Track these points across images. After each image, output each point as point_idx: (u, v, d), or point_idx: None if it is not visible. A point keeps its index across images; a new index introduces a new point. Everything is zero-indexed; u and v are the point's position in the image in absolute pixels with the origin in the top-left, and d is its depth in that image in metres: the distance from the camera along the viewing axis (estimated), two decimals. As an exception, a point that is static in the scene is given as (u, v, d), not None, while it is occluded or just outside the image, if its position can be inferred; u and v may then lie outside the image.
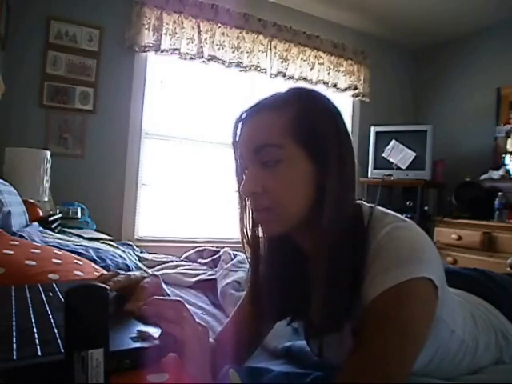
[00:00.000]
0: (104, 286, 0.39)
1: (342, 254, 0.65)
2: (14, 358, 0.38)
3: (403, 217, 0.70)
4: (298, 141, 0.66)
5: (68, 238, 1.62)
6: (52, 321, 0.50)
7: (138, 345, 0.46)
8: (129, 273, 0.73)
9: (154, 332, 0.50)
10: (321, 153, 0.67)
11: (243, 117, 0.72)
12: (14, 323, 0.47)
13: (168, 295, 1.43)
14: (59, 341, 0.43)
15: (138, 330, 0.50)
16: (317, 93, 0.72)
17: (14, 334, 0.44)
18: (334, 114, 0.70)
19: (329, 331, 0.68)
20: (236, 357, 0.81)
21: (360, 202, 0.74)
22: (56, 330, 0.46)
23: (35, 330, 0.46)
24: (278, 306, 0.78)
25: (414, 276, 0.60)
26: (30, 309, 0.55)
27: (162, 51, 3.06)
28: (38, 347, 0.41)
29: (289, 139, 0.66)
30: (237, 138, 0.73)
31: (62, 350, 0.40)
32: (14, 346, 0.40)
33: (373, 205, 0.73)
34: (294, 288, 0.76)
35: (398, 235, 0.64)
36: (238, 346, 0.82)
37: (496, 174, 3.28)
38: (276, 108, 0.68)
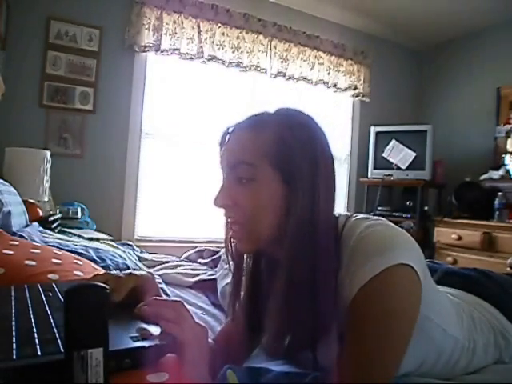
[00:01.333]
0: (103, 285, 0.39)
1: (301, 273, 0.65)
2: (14, 357, 0.38)
3: (380, 218, 0.70)
4: (271, 163, 0.68)
5: (68, 238, 1.62)
6: (52, 321, 0.50)
7: (137, 344, 0.46)
8: (118, 272, 0.74)
9: (154, 330, 0.50)
10: (292, 177, 0.67)
11: (229, 131, 0.75)
12: (13, 323, 0.47)
13: (168, 295, 1.43)
14: (59, 340, 0.43)
15: (138, 328, 0.50)
16: (301, 118, 0.73)
17: (14, 333, 0.44)
18: (312, 141, 0.70)
19: (295, 350, 0.70)
20: (235, 357, 0.82)
21: (339, 213, 0.74)
22: (56, 330, 0.46)
23: (35, 329, 0.46)
24: (256, 323, 0.78)
25: (389, 264, 0.60)
26: (30, 309, 0.55)
27: (162, 51, 3.06)
28: (38, 347, 0.41)
29: (263, 160, 0.68)
30: (221, 151, 0.76)
31: (62, 350, 0.40)
32: (14, 345, 0.40)
33: (349, 214, 0.74)
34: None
35: (368, 233, 0.65)
36: (236, 346, 0.83)
37: (496, 174, 3.28)
38: (257, 128, 0.70)
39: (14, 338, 0.42)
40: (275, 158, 0.68)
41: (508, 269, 2.07)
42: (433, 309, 0.73)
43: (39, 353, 0.39)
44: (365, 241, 0.64)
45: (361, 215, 0.72)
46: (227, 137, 0.75)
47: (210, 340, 0.73)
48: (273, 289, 0.70)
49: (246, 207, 0.69)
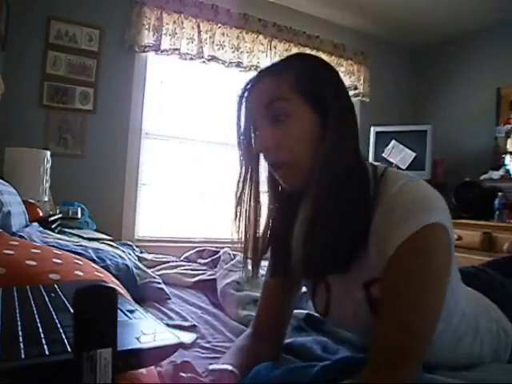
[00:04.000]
0: (112, 286, 0.39)
1: (338, 196, 0.68)
2: (23, 356, 0.38)
3: (415, 175, 0.73)
4: (302, 95, 0.71)
5: (68, 238, 1.62)
6: (57, 321, 0.50)
7: (143, 345, 0.46)
8: None
9: (163, 332, 0.51)
10: (322, 105, 0.71)
11: (251, 83, 0.77)
12: (19, 323, 0.47)
13: (168, 295, 1.43)
14: (65, 340, 0.43)
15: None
16: (318, 58, 0.79)
17: (20, 333, 0.44)
18: (334, 75, 0.75)
19: (325, 270, 0.72)
20: (274, 340, 0.86)
21: (374, 163, 0.78)
22: (61, 330, 0.46)
23: (41, 329, 0.46)
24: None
25: (427, 222, 0.63)
26: (34, 309, 0.55)
27: (162, 51, 3.06)
28: (45, 347, 0.41)
29: (295, 94, 0.71)
30: (242, 112, 0.77)
31: (69, 350, 0.40)
32: (21, 345, 0.40)
33: (387, 166, 0.77)
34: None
35: (408, 189, 0.67)
36: (275, 329, 0.87)
37: (496, 174, 3.28)
38: (279, 71, 0.74)
39: (20, 338, 0.42)
40: (305, 90, 0.71)
41: (505, 254, 2.04)
42: (454, 275, 0.75)
43: (47, 352, 0.39)
44: (404, 197, 0.66)
45: (394, 169, 0.76)
46: (249, 87, 0.77)
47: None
48: (306, 214, 0.71)
49: (289, 145, 0.71)
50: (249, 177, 0.79)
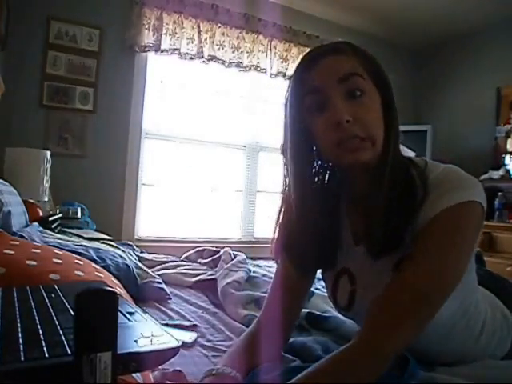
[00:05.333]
0: (113, 290, 0.39)
1: (400, 177, 0.73)
2: (22, 359, 0.38)
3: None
4: (372, 77, 0.75)
5: (68, 238, 1.62)
6: (57, 323, 0.50)
7: (142, 348, 0.46)
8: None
9: (162, 335, 0.50)
10: (383, 86, 0.76)
11: (308, 60, 0.77)
12: (18, 325, 0.47)
13: (168, 295, 1.43)
14: (65, 343, 0.43)
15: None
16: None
17: (20, 335, 0.44)
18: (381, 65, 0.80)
19: (392, 245, 0.73)
20: (278, 341, 0.86)
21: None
22: (61, 332, 0.46)
23: (40, 331, 0.46)
24: (315, 255, 0.83)
25: (471, 199, 0.68)
26: (34, 310, 0.55)
27: (162, 51, 3.06)
28: (45, 349, 0.41)
29: (366, 74, 0.74)
30: (301, 81, 0.76)
31: (69, 352, 0.40)
32: (21, 347, 0.40)
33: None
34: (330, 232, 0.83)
35: (453, 170, 0.74)
36: (281, 329, 0.86)
37: (496, 174, 3.28)
38: (349, 50, 0.77)
39: (20, 340, 0.42)
40: (375, 74, 0.75)
41: None
42: (472, 261, 0.79)
43: (46, 355, 0.39)
44: (449, 176, 0.73)
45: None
46: (313, 62, 0.76)
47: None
48: (372, 193, 0.74)
49: (366, 120, 0.72)
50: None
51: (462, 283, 0.70)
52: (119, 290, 1.02)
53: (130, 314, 0.58)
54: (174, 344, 0.48)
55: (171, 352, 0.47)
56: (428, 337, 0.75)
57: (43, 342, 0.42)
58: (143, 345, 0.46)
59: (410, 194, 0.72)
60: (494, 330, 0.88)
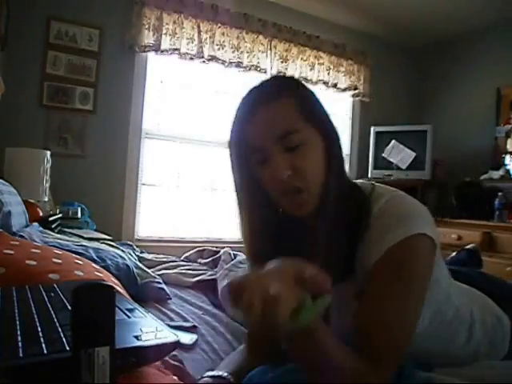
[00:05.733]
0: (111, 284, 0.39)
1: (343, 214, 0.73)
2: (21, 355, 0.38)
3: (398, 190, 0.79)
4: (308, 122, 0.73)
5: (68, 238, 1.62)
6: (55, 320, 0.50)
7: (141, 343, 0.46)
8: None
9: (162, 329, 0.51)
10: (322, 129, 0.75)
11: (246, 112, 0.76)
12: (17, 322, 0.47)
13: (168, 295, 1.43)
14: (64, 339, 0.43)
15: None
16: (292, 77, 0.85)
17: (19, 332, 0.44)
18: (314, 93, 0.79)
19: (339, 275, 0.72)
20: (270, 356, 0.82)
21: (357, 180, 0.84)
22: (60, 329, 0.46)
23: (39, 328, 0.46)
24: None
25: (412, 233, 0.68)
26: (33, 309, 0.55)
27: (162, 51, 3.06)
28: (44, 345, 0.41)
29: (302, 123, 0.73)
30: (240, 135, 0.76)
31: (68, 349, 0.40)
32: (20, 344, 0.40)
33: (372, 182, 0.82)
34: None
35: (395, 202, 0.74)
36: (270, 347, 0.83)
37: (496, 174, 3.28)
38: (280, 98, 0.73)
39: (19, 337, 0.42)
40: (307, 116, 0.74)
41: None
42: (440, 273, 0.80)
43: (45, 351, 0.39)
44: (390, 210, 0.72)
45: (379, 183, 0.82)
46: (247, 119, 0.76)
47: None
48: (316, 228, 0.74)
49: (306, 171, 0.72)
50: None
51: (429, 299, 0.73)
52: (119, 289, 1.02)
53: (130, 310, 0.58)
54: (173, 339, 0.48)
55: (170, 347, 0.47)
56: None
57: (42, 338, 0.42)
58: (142, 340, 0.46)
59: (353, 227, 0.73)
60: (485, 331, 0.89)
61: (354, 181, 0.83)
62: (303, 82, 0.82)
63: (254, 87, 0.78)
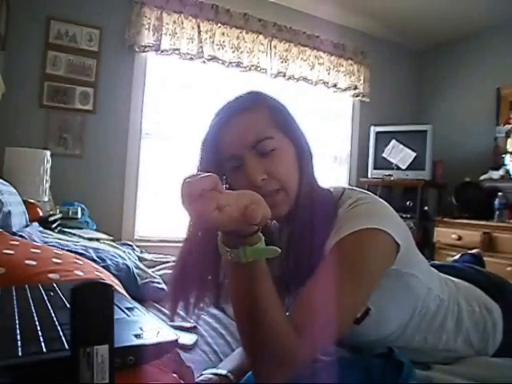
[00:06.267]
0: (109, 283, 0.39)
1: (313, 216, 0.77)
2: (20, 354, 0.38)
3: (371, 194, 0.82)
4: (280, 132, 0.79)
5: (68, 238, 1.62)
6: (55, 319, 0.50)
7: (140, 342, 0.46)
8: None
9: (159, 328, 0.50)
10: (292, 135, 0.80)
11: (221, 121, 0.79)
12: (17, 322, 0.47)
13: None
14: (63, 338, 0.43)
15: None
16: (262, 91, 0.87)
17: (18, 331, 0.44)
18: (283, 104, 0.84)
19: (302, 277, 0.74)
20: None
21: (330, 186, 0.87)
22: (59, 328, 0.46)
23: (38, 327, 0.46)
24: None
25: (366, 226, 0.70)
26: (32, 308, 0.55)
27: (162, 51, 3.06)
28: (43, 344, 0.41)
29: (275, 131, 0.78)
30: (216, 143, 0.80)
31: (67, 347, 0.40)
32: (19, 343, 0.40)
33: (346, 186, 0.86)
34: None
35: (360, 203, 0.77)
36: None
37: (496, 174, 3.28)
38: (254, 108, 0.79)
39: (18, 336, 0.42)
40: (278, 124, 0.79)
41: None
42: (418, 268, 0.84)
43: (44, 350, 0.39)
44: (352, 209, 0.76)
45: (352, 188, 0.86)
46: (221, 128, 0.79)
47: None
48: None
49: (280, 173, 0.76)
50: None
51: (408, 295, 0.80)
52: (119, 289, 1.02)
53: (129, 309, 0.58)
54: (173, 337, 0.48)
55: (169, 345, 0.47)
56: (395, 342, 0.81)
57: (41, 337, 0.42)
58: (141, 339, 0.46)
59: (322, 228, 0.76)
60: (475, 320, 0.91)
61: (328, 187, 0.86)
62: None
63: (230, 100, 0.82)
